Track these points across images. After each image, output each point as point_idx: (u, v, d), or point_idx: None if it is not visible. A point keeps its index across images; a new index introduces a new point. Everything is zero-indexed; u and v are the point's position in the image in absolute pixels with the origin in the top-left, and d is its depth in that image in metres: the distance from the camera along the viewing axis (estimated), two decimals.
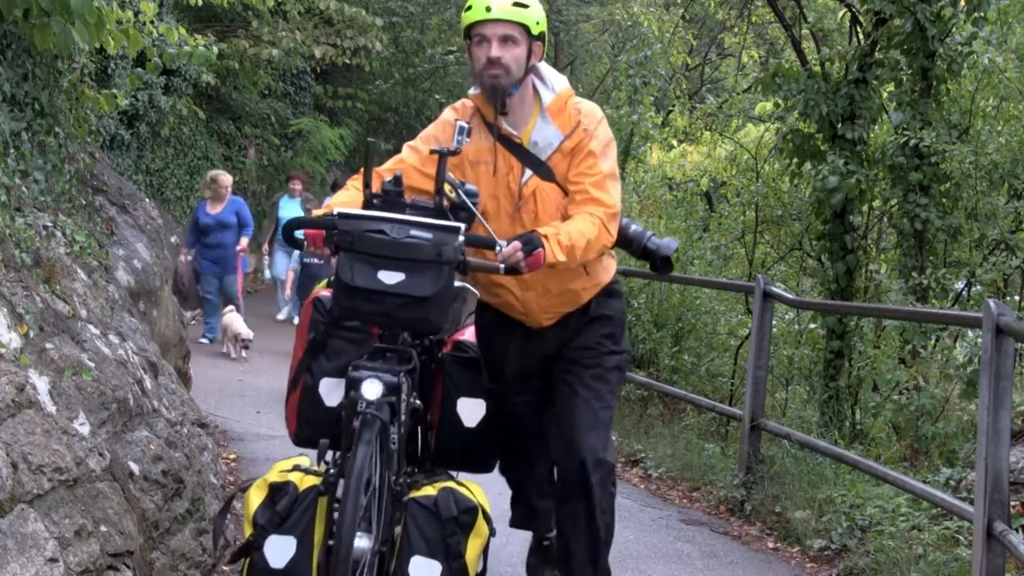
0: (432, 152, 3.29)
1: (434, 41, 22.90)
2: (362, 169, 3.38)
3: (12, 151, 4.22)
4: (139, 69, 7.08)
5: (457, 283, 3.54)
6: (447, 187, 3.20)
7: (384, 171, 3.42)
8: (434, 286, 3.01)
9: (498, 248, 3.09)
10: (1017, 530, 4.03)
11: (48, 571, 2.75)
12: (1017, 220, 7.23)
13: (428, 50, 22.93)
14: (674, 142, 12.31)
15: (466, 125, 3.21)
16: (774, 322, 7.09)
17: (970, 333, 6.86)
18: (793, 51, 9.11)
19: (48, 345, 3.50)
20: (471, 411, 3.57)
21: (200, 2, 7.84)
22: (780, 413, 7.86)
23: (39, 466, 2.96)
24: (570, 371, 3.51)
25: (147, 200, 7.01)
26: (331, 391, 3.53)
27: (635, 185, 11.10)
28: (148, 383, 4.42)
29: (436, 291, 3.00)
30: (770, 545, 5.31)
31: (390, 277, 3.01)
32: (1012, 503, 4.12)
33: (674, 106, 12.44)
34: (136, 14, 5.62)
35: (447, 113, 3.50)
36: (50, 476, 2.99)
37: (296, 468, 3.18)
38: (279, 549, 3.04)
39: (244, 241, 10.95)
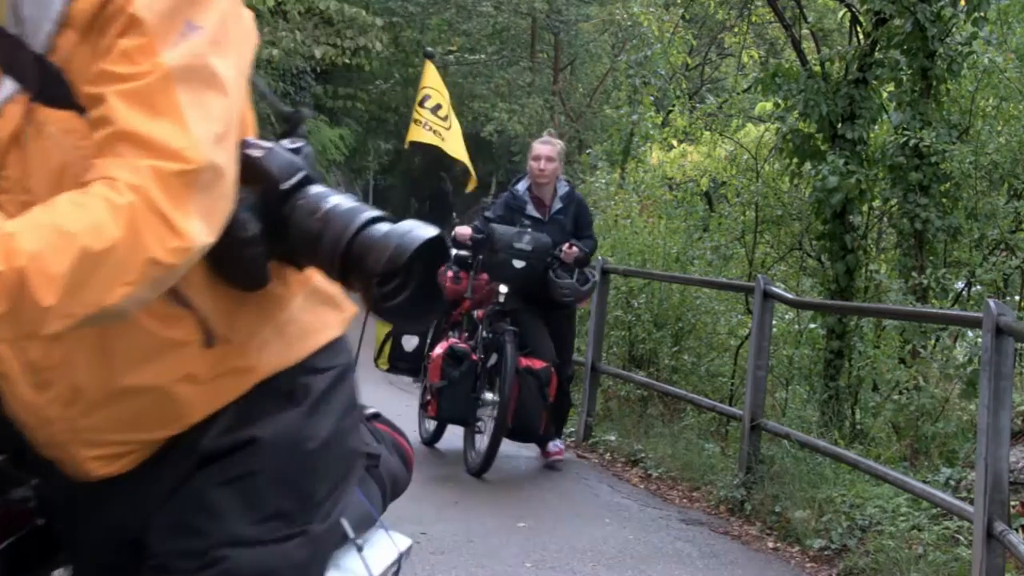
0: None
1: (434, 41, 22.92)
2: None
3: None
4: None
5: None
6: None
7: None
8: None
9: None
10: (1017, 530, 4.03)
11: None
12: (1017, 220, 7.23)
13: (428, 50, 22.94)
14: (674, 142, 12.31)
15: None
16: (774, 322, 7.09)
17: (970, 333, 6.86)
18: (793, 51, 9.10)
19: None
20: None
21: None
22: (780, 413, 7.85)
23: None
24: None
25: None
26: None
27: (635, 185, 11.10)
28: None
29: None
30: (770, 545, 5.31)
31: None
32: (1012, 503, 4.12)
33: (674, 106, 12.44)
34: None
35: None
36: None
37: None
38: None
39: None
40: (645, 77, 11.85)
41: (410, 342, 6.65)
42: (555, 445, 6.67)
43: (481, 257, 6.32)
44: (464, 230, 6.42)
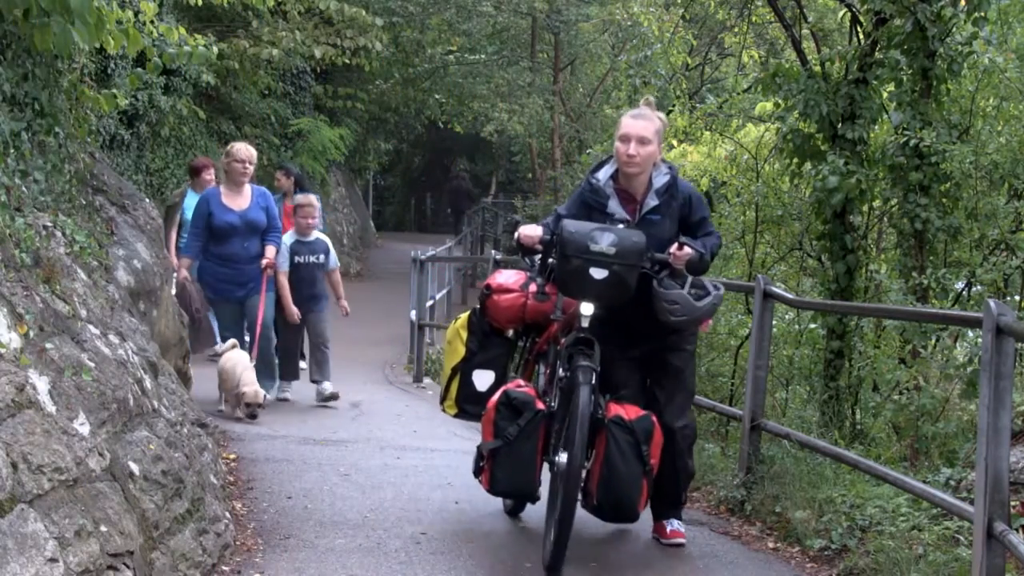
0: None
1: (434, 41, 22.95)
2: None
3: (12, 151, 4.22)
4: (139, 69, 7.09)
5: None
6: None
7: None
8: None
9: None
10: (1017, 530, 4.03)
11: (48, 571, 2.75)
12: (1017, 220, 7.23)
13: (428, 50, 22.99)
14: (674, 142, 12.30)
15: None
16: (774, 322, 7.08)
17: (970, 333, 6.86)
18: (793, 51, 9.11)
19: (48, 345, 3.50)
20: None
21: (200, 2, 7.85)
22: (780, 413, 7.85)
23: (39, 466, 2.96)
24: None
25: (147, 200, 7.02)
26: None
27: None
28: (148, 383, 4.42)
29: None
30: (770, 545, 5.30)
31: None
32: (1012, 503, 4.12)
33: (674, 106, 12.43)
34: (136, 14, 5.63)
35: None
36: (50, 476, 2.99)
37: None
38: None
39: (271, 251, 7.71)
40: (645, 77, 11.83)
41: (483, 379, 5.17)
42: (673, 525, 5.04)
43: (551, 262, 4.74)
44: (532, 231, 4.78)
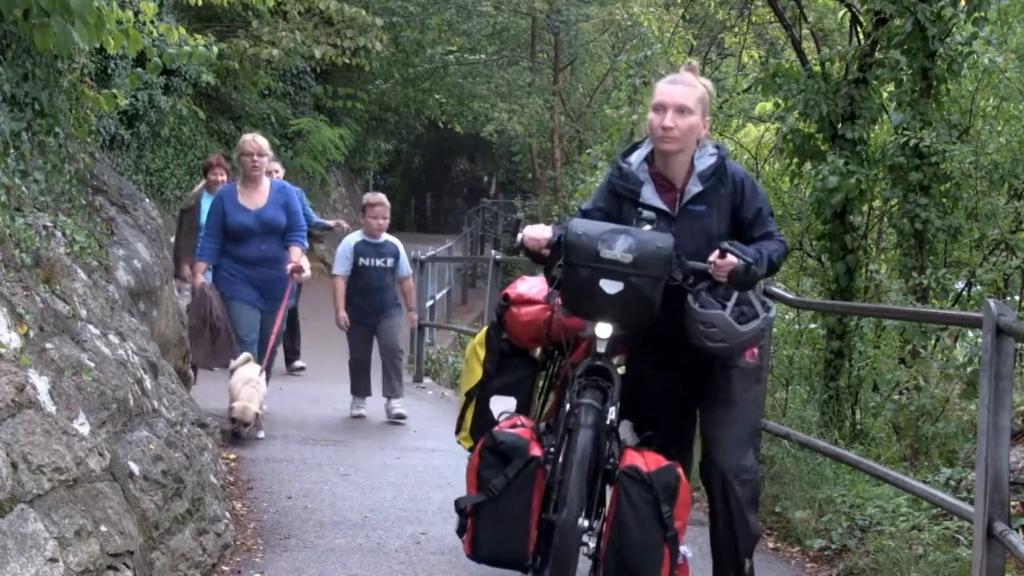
0: None
1: (434, 41, 22.98)
2: None
3: (12, 151, 4.23)
4: (139, 69, 7.09)
5: None
6: None
7: None
8: None
9: None
10: (1017, 530, 4.03)
11: (48, 571, 2.75)
12: (1017, 220, 7.23)
13: (428, 50, 23.02)
14: None
15: None
16: (774, 322, 7.08)
17: (970, 333, 6.87)
18: (793, 51, 9.11)
19: (48, 345, 3.50)
20: None
21: (200, 2, 7.87)
22: (780, 413, 7.85)
23: (39, 466, 2.96)
24: None
25: (147, 200, 7.01)
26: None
27: None
28: (148, 383, 4.42)
29: None
30: (770, 545, 5.30)
31: None
32: (1012, 503, 4.13)
33: None
34: (136, 14, 5.63)
35: None
36: (50, 476, 2.99)
37: None
38: None
39: (296, 253, 6.97)
40: (645, 77, 11.83)
41: (502, 406, 4.22)
42: (684, 550, 4.00)
43: (558, 270, 3.84)
44: (538, 232, 3.92)
